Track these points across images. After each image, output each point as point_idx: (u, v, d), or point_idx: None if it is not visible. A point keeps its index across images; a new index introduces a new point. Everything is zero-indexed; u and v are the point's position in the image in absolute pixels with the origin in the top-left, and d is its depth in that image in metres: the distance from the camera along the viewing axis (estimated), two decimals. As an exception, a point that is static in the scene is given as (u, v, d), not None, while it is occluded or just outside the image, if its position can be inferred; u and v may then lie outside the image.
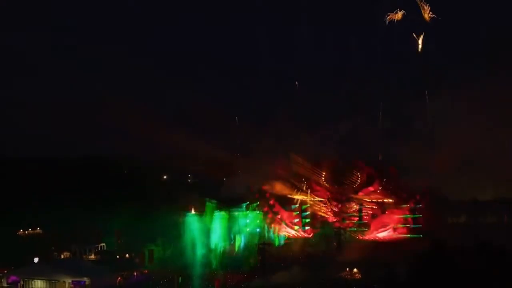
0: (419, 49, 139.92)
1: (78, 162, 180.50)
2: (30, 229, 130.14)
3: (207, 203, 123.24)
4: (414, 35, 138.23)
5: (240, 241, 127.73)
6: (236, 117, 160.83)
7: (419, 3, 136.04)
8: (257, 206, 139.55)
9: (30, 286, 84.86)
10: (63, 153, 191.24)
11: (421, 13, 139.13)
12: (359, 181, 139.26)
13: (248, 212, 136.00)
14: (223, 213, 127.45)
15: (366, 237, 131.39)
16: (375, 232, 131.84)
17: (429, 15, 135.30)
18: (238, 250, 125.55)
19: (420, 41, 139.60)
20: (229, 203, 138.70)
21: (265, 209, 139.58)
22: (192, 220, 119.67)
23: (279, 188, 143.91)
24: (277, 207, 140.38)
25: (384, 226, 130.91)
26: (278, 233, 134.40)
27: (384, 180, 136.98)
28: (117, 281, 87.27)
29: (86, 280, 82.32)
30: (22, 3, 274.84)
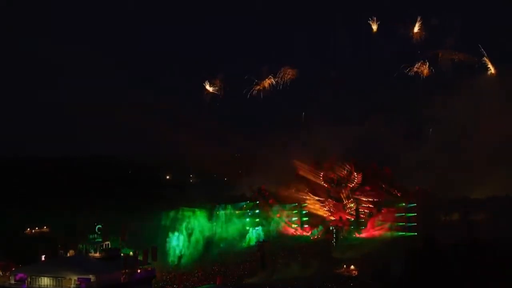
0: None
1: (83, 162, 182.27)
2: (37, 228, 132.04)
3: None
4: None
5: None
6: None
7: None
8: (255, 205, 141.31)
9: (37, 283, 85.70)
10: (69, 153, 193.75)
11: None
12: (356, 180, 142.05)
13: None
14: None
15: (363, 235, 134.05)
16: (371, 230, 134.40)
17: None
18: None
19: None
20: (228, 202, 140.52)
21: (265, 208, 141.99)
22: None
23: (279, 187, 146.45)
24: (277, 206, 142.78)
25: (380, 224, 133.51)
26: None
27: (380, 179, 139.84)
28: (122, 278, 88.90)
29: (92, 277, 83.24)
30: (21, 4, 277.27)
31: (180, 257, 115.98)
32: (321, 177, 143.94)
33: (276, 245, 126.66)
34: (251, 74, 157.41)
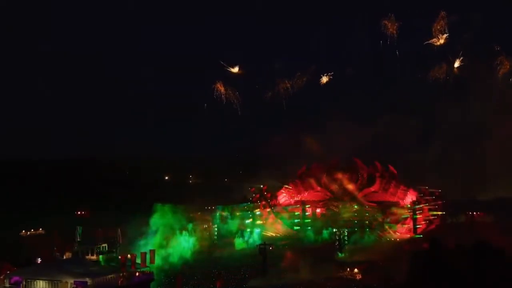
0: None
1: (81, 163, 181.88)
2: (32, 230, 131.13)
3: None
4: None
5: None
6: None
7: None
8: (255, 206, 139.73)
9: (32, 287, 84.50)
10: (65, 154, 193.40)
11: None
12: (359, 181, 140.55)
13: None
14: None
15: (367, 237, 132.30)
16: (375, 232, 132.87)
17: None
18: None
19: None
20: (228, 203, 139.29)
21: (266, 209, 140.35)
22: None
23: (282, 188, 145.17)
24: (279, 207, 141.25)
25: (385, 226, 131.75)
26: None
27: (385, 180, 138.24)
28: (119, 281, 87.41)
29: (88, 280, 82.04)
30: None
31: (179, 260, 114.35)
32: (325, 178, 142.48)
33: (277, 248, 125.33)
34: (253, 74, 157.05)
